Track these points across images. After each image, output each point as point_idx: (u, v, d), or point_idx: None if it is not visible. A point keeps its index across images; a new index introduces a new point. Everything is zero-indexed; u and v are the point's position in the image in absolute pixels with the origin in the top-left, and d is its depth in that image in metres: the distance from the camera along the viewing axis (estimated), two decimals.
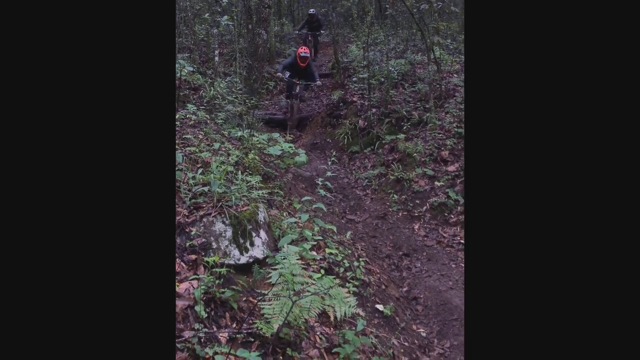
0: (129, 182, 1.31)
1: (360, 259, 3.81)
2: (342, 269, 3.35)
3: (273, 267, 2.34)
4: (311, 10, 11.91)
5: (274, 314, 2.13)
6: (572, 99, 1.25)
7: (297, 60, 8.22)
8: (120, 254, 1.27)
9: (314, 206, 2.87)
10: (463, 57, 8.73)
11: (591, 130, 1.23)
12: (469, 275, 1.34)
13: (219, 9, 8.50)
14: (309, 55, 8.30)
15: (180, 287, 2.22)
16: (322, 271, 2.89)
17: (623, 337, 1.14)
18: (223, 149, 3.98)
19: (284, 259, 2.23)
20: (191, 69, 5.11)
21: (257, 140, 4.76)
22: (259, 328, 2.20)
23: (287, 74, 8.22)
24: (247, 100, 5.67)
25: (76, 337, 1.20)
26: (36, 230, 1.21)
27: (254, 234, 2.86)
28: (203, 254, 2.54)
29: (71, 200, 1.25)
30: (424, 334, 3.37)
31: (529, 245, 1.25)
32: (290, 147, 4.45)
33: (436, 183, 5.63)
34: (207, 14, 8.07)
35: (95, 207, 1.27)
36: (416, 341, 3.24)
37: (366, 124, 7.54)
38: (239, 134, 4.75)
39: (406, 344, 3.12)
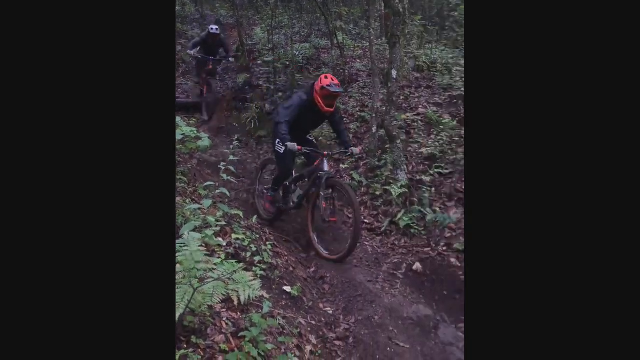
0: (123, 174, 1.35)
1: (268, 243, 3.82)
2: (249, 254, 3.34)
3: None
4: (212, 28, 7.90)
5: (176, 302, 2.07)
6: (573, 100, 1.26)
7: (317, 98, 4.20)
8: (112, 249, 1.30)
9: (217, 191, 2.81)
10: (365, 42, 8.99)
11: (594, 128, 1.23)
12: (469, 277, 1.35)
13: None
14: (340, 90, 4.27)
15: None
16: (223, 256, 2.86)
17: (619, 337, 1.16)
18: None
19: (184, 246, 2.16)
20: None
21: None
22: None
23: (289, 141, 4.11)
24: None
25: (77, 337, 1.23)
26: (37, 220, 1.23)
27: None
28: None
29: (71, 201, 1.27)
30: (330, 312, 3.48)
31: (527, 246, 1.26)
32: (192, 131, 4.29)
33: (341, 166, 5.80)
34: None
35: (97, 204, 1.30)
36: (323, 319, 3.34)
37: (273, 108, 7.52)
38: None
39: (313, 322, 3.21)
